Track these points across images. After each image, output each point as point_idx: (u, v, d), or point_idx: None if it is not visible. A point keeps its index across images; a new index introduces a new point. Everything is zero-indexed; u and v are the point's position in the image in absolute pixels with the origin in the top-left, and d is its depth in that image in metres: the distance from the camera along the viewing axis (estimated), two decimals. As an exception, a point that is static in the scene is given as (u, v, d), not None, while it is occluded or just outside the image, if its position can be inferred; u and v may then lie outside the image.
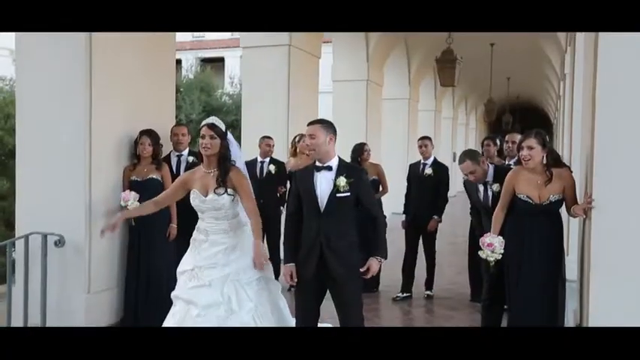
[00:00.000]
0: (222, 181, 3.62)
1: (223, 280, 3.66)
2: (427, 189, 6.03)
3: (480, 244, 3.83)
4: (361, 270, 3.41)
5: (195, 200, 3.70)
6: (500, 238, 3.81)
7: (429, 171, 6.06)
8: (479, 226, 4.48)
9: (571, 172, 3.88)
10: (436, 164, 6.12)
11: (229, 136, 3.76)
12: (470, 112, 24.15)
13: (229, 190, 3.64)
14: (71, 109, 4.68)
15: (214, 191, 3.63)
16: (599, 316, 3.30)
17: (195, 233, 3.83)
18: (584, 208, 3.41)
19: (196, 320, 3.59)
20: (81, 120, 4.66)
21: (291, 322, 3.80)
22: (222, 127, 3.70)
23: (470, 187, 4.44)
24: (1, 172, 8.12)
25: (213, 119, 3.74)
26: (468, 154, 4.32)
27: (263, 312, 3.69)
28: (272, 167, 6.26)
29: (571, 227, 6.52)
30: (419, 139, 6.31)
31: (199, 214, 3.78)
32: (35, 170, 4.81)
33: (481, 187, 4.34)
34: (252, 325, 3.61)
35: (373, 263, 3.42)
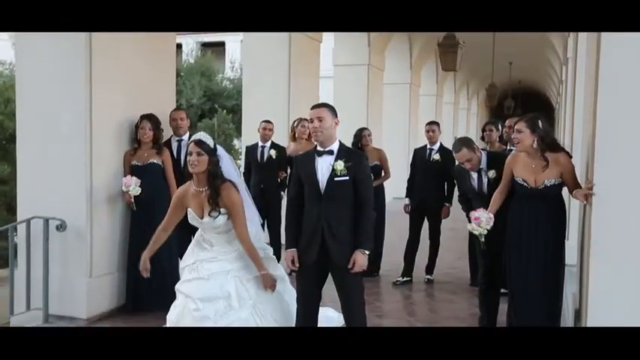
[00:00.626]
0: (214, 203, 3.56)
1: (224, 276, 3.66)
2: (434, 174, 5.96)
3: (470, 216, 3.92)
4: (348, 267, 3.36)
5: (193, 221, 3.70)
6: (490, 214, 3.87)
7: (436, 157, 6.00)
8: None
9: (570, 156, 3.86)
10: (443, 150, 6.04)
11: (220, 151, 3.68)
12: (471, 97, 24.05)
13: (222, 210, 3.58)
14: (71, 94, 4.67)
15: (209, 214, 3.59)
16: (599, 300, 3.32)
17: (199, 235, 3.83)
18: (585, 194, 3.40)
19: (194, 314, 3.59)
20: (81, 105, 4.65)
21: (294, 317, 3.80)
22: (211, 142, 3.61)
23: (461, 174, 4.42)
24: (2, 157, 8.13)
25: (200, 135, 3.65)
26: (464, 142, 4.31)
27: (262, 310, 3.69)
28: (273, 152, 6.23)
29: (571, 212, 6.53)
30: (426, 124, 6.24)
31: (199, 228, 3.79)
32: (36, 155, 4.81)
33: (474, 175, 4.32)
34: (251, 322, 3.61)
35: (359, 257, 3.34)
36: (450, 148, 6.17)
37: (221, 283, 3.64)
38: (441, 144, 6.12)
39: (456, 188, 6.01)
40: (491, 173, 4.22)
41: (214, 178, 3.57)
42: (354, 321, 3.50)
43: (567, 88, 9.45)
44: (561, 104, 13.91)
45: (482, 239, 3.95)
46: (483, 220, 3.85)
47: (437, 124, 6.24)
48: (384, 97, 12.94)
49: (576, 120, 6.44)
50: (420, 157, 6.19)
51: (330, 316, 4.31)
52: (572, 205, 6.32)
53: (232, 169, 3.76)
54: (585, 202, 3.57)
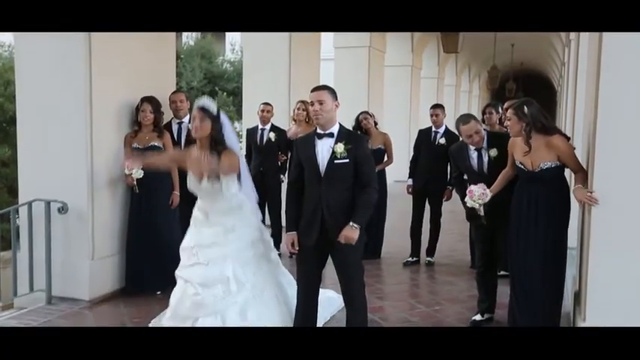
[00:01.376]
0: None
1: (222, 260, 3.70)
2: (438, 158, 5.91)
3: (466, 192, 4.01)
4: (337, 239, 3.33)
5: (191, 185, 3.74)
6: (485, 190, 3.92)
7: (442, 140, 5.97)
8: (464, 196, 4.44)
9: (567, 138, 3.82)
10: (448, 133, 6.00)
11: (223, 117, 3.72)
12: (473, 80, 23.90)
13: (222, 177, 3.64)
14: (71, 77, 4.64)
15: (208, 178, 3.64)
16: (598, 283, 3.35)
17: (195, 211, 3.86)
18: (585, 199, 3.40)
19: (193, 299, 3.68)
20: (81, 87, 4.63)
21: (292, 300, 3.85)
22: (214, 108, 3.66)
23: (459, 154, 4.37)
24: (3, 139, 8.11)
25: (204, 101, 3.70)
26: (471, 116, 4.31)
27: (258, 292, 3.75)
28: (272, 135, 6.19)
29: (570, 195, 6.53)
30: (430, 108, 6.22)
31: (197, 194, 3.81)
32: (36, 137, 4.80)
33: (474, 155, 4.27)
34: (250, 303, 3.68)
35: (348, 230, 3.29)
36: (455, 132, 6.16)
37: (220, 269, 3.69)
38: (446, 127, 6.09)
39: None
40: (493, 152, 4.19)
41: (217, 143, 3.63)
42: (354, 303, 3.52)
43: (569, 70, 9.39)
44: (563, 86, 13.83)
45: (482, 213, 3.98)
46: (476, 194, 3.92)
47: (441, 107, 6.21)
48: (385, 80, 12.87)
49: (578, 102, 6.41)
50: (424, 139, 6.16)
51: (330, 297, 4.34)
52: (572, 189, 6.31)
53: (234, 136, 3.82)
54: (579, 204, 3.59)
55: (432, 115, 6.10)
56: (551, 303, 3.82)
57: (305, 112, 6.14)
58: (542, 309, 3.80)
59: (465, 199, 4.01)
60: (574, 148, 3.81)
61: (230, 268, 3.69)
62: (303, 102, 6.21)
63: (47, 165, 4.76)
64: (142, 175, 4.86)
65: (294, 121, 6.40)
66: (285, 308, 3.87)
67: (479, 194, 3.92)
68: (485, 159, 4.22)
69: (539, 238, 3.76)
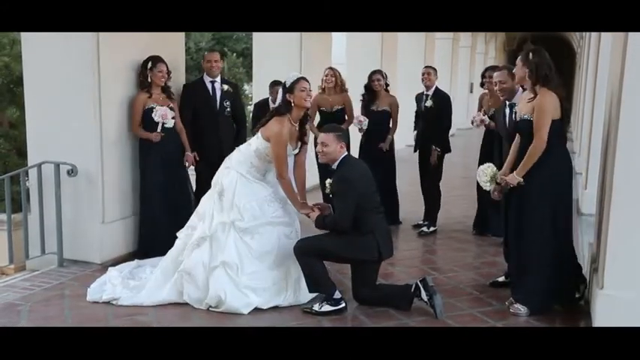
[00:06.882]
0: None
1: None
2: (429, 121, 5.81)
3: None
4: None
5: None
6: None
7: (429, 103, 5.78)
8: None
9: (560, 96, 3.69)
10: (437, 95, 5.80)
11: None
12: (489, 41, 23.30)
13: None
14: (78, 34, 4.49)
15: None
16: (617, 250, 3.27)
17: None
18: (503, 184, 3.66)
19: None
20: (88, 45, 4.52)
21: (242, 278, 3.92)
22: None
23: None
24: (10, 100, 8.05)
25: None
26: (505, 66, 4.41)
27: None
28: None
29: (590, 160, 6.39)
30: (423, 68, 6.04)
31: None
32: (44, 98, 4.72)
33: (507, 110, 4.26)
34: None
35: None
36: (446, 92, 5.94)
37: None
38: (436, 89, 5.85)
39: (448, 134, 5.87)
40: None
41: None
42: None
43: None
44: (584, 47, 13.44)
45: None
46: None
47: (432, 67, 5.99)
48: (399, 41, 12.55)
49: (601, 61, 6.21)
50: (418, 103, 6.02)
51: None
52: (593, 155, 6.18)
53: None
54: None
55: (422, 74, 5.89)
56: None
57: (334, 79, 5.94)
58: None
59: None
60: (565, 108, 3.68)
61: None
62: (332, 69, 6.04)
63: (56, 127, 4.70)
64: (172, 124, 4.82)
65: (323, 90, 6.05)
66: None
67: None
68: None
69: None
